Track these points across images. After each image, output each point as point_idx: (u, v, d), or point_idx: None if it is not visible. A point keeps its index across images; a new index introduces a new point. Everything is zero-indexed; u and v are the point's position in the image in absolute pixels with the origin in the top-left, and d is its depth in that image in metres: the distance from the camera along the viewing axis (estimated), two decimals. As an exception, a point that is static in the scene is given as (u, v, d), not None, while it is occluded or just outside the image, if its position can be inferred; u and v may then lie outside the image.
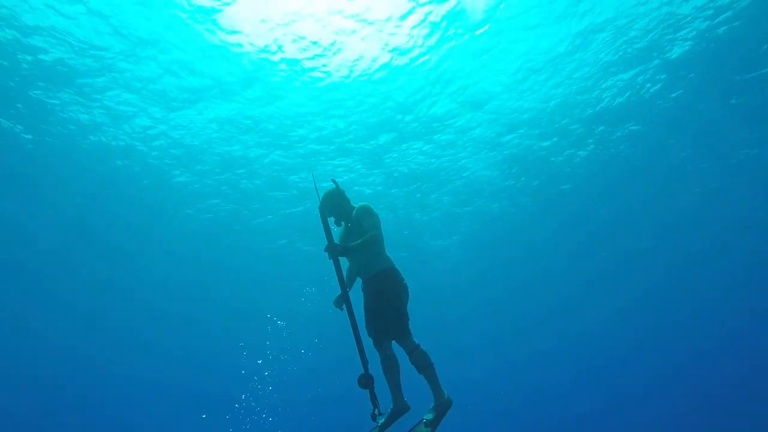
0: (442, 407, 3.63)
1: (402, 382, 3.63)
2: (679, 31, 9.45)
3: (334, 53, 9.18)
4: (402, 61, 9.49)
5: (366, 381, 3.47)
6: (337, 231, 4.01)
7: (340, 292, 3.72)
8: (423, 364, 3.62)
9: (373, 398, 3.50)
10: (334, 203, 3.92)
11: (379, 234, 3.74)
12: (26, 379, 22.97)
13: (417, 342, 3.67)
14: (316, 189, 4.09)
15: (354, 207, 3.94)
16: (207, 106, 10.45)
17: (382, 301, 3.69)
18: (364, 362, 3.52)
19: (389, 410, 3.56)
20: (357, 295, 3.87)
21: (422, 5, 8.23)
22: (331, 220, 3.95)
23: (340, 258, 3.68)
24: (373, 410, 3.50)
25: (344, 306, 3.71)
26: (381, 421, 3.50)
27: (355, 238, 3.72)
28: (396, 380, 3.58)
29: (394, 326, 3.63)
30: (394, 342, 3.71)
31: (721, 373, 25.69)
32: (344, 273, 3.83)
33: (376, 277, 3.75)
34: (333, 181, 4.02)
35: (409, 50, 9.25)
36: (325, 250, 3.52)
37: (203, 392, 25.14)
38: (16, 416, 24.14)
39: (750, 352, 24.61)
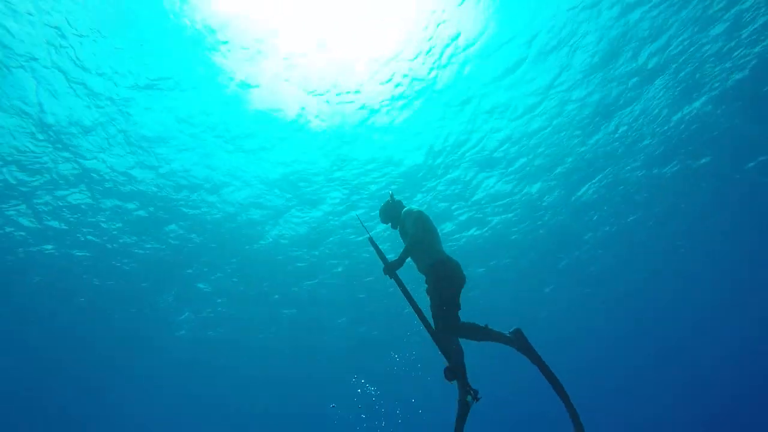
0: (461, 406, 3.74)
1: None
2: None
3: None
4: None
5: (451, 372, 3.61)
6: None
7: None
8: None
9: (465, 386, 3.64)
10: (388, 213, 4.50)
11: (419, 234, 3.98)
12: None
13: (456, 342, 3.84)
14: (364, 226, 4.77)
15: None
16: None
17: (431, 294, 3.95)
18: (446, 356, 3.69)
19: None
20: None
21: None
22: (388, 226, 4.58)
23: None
24: (467, 396, 3.61)
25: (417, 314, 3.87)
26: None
27: (404, 239, 4.18)
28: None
29: (435, 318, 3.78)
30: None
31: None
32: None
33: (427, 274, 4.05)
34: (390, 193, 4.63)
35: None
36: (384, 272, 3.88)
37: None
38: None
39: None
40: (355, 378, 20.37)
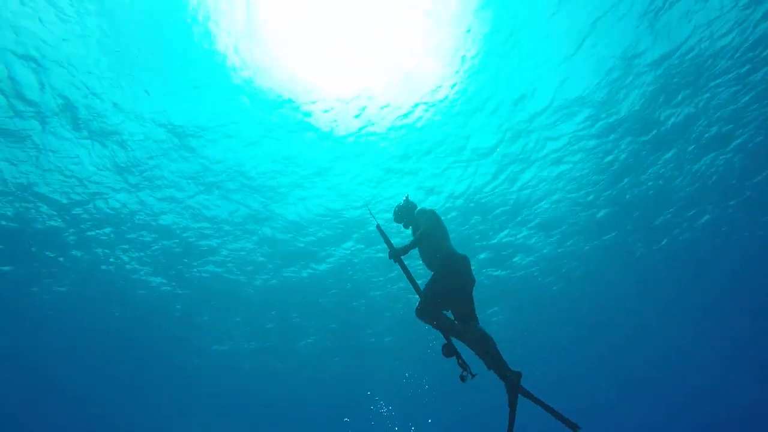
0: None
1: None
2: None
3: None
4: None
5: (448, 350, 3.90)
6: (407, 233, 4.93)
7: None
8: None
9: (462, 363, 3.86)
10: (403, 213, 4.84)
11: (430, 228, 4.29)
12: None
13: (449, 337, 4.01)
14: (372, 215, 5.31)
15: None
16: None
17: (433, 279, 4.17)
18: (445, 336, 3.97)
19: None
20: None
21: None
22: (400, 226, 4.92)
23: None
24: (462, 372, 3.80)
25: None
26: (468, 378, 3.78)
27: (415, 235, 4.46)
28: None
29: (423, 298, 4.10)
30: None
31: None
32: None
33: (436, 267, 4.26)
34: (406, 196, 5.00)
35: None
36: (389, 257, 4.19)
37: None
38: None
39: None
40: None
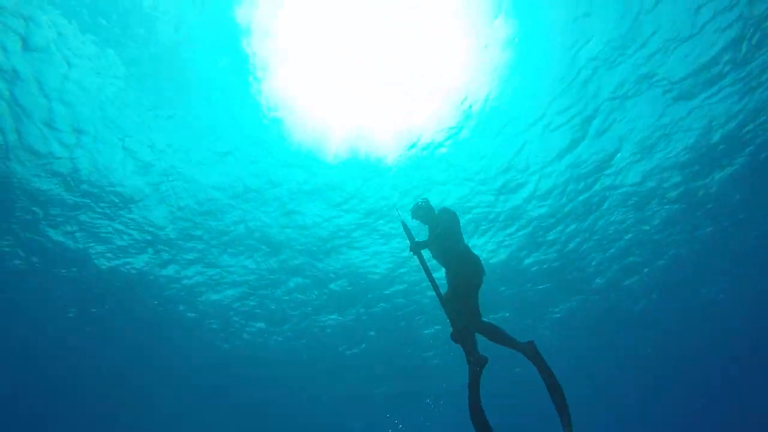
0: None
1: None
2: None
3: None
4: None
5: (455, 336, 4.27)
6: (426, 230, 5.18)
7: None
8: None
9: (470, 352, 4.20)
10: (422, 212, 5.07)
11: (450, 228, 4.64)
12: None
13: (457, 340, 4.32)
14: (398, 212, 5.59)
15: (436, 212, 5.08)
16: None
17: (456, 279, 4.54)
18: (452, 322, 4.32)
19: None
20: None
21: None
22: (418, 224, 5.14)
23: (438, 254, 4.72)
24: (468, 357, 4.18)
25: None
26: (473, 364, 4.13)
27: (434, 232, 4.75)
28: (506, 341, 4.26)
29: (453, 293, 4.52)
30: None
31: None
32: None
33: (455, 261, 4.59)
34: (426, 198, 5.27)
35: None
36: (410, 250, 4.59)
37: None
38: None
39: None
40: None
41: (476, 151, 9.84)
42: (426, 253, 4.89)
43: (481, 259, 4.67)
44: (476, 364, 4.14)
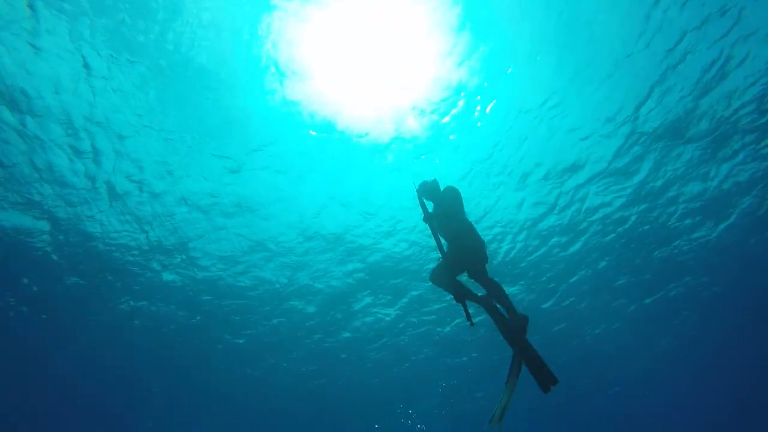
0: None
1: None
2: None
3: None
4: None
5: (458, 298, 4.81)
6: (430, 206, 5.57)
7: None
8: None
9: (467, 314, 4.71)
10: (429, 188, 5.39)
11: (453, 204, 5.03)
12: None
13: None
14: (415, 186, 5.85)
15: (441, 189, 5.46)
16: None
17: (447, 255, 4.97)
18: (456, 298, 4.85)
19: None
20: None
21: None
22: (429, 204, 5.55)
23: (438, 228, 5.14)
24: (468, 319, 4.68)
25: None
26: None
27: (441, 207, 5.17)
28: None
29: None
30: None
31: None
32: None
33: (460, 232, 5.01)
34: (435, 179, 5.61)
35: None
36: (423, 220, 5.02)
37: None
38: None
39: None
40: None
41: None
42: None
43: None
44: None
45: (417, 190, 5.34)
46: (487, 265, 5.00)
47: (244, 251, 12.06)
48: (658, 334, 19.32)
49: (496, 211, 11.63)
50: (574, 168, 10.68)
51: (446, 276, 4.87)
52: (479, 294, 4.87)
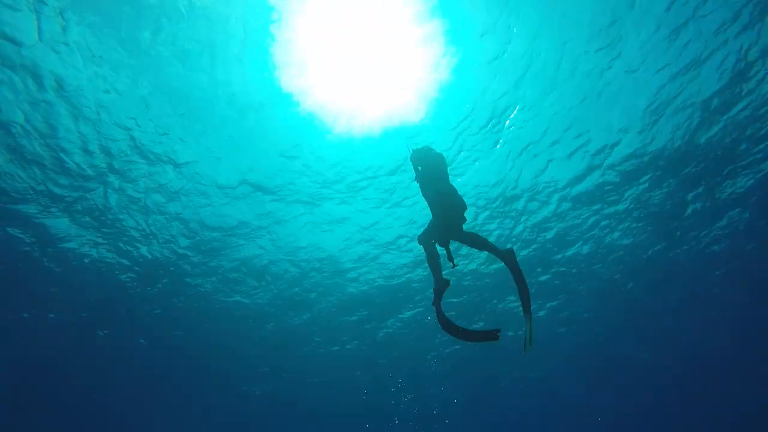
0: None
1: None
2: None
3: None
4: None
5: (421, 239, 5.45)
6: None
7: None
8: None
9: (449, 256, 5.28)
10: (419, 156, 5.86)
11: (438, 168, 5.58)
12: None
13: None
14: (410, 149, 6.28)
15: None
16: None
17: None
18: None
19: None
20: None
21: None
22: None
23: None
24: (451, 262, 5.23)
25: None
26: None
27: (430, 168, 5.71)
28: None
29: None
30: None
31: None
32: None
33: (447, 191, 5.51)
34: (428, 146, 6.11)
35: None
36: (415, 180, 5.72)
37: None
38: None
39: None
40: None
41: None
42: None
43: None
44: (439, 285, 5.11)
45: (410, 157, 5.89)
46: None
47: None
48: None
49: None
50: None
51: (433, 237, 5.35)
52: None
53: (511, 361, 20.14)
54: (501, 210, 12.34)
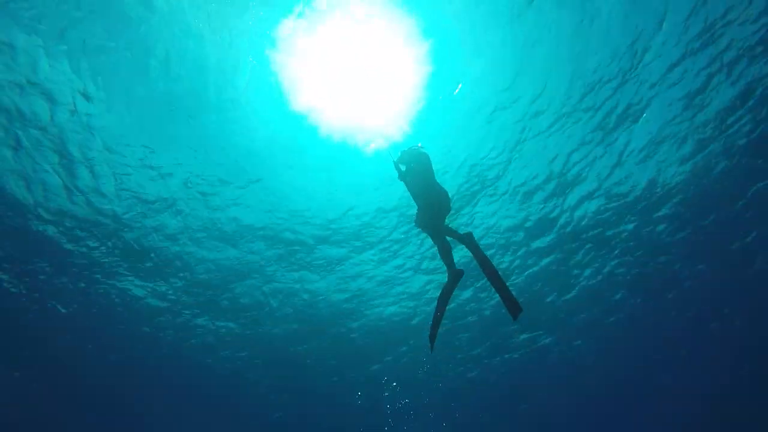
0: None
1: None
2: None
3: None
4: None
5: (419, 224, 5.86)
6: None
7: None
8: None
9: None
10: (406, 156, 6.12)
11: (424, 165, 5.89)
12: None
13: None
14: (391, 155, 6.46)
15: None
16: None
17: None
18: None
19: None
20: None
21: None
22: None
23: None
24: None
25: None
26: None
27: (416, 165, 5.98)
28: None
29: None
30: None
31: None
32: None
33: (422, 194, 5.81)
34: (419, 144, 6.39)
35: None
36: (399, 179, 5.85)
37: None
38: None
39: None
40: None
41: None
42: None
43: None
44: (453, 276, 5.40)
45: (396, 160, 6.11)
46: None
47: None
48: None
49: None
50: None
51: (424, 221, 5.73)
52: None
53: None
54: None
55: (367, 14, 7.57)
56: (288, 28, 7.58)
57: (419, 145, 6.39)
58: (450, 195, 5.93)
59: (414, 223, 6.02)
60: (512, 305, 4.95)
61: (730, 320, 17.14)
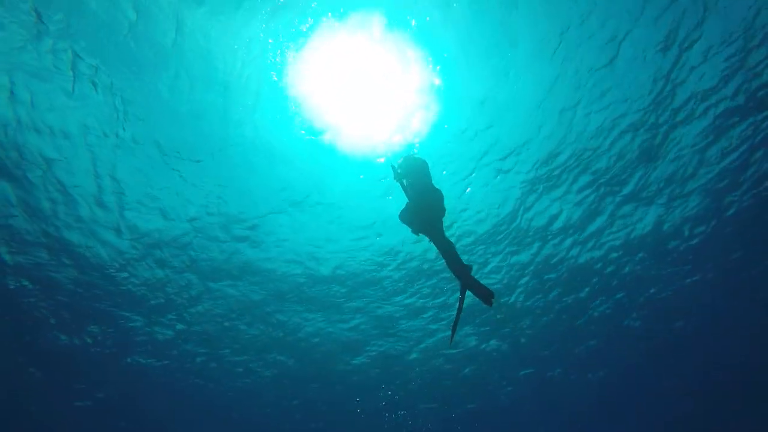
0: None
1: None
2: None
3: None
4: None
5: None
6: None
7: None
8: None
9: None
10: (405, 163, 6.32)
11: (422, 170, 6.12)
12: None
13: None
14: (392, 165, 6.60)
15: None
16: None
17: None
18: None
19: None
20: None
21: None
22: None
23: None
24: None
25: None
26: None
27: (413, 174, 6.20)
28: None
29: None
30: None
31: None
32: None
33: (417, 197, 6.04)
34: (408, 156, 6.42)
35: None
36: (395, 179, 6.01)
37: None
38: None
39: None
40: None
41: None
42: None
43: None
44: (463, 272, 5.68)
45: (396, 168, 6.28)
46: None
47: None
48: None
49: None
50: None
51: (410, 218, 5.99)
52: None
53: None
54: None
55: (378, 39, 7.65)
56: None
57: (415, 151, 6.45)
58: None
59: (398, 217, 6.15)
60: (484, 296, 5.38)
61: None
